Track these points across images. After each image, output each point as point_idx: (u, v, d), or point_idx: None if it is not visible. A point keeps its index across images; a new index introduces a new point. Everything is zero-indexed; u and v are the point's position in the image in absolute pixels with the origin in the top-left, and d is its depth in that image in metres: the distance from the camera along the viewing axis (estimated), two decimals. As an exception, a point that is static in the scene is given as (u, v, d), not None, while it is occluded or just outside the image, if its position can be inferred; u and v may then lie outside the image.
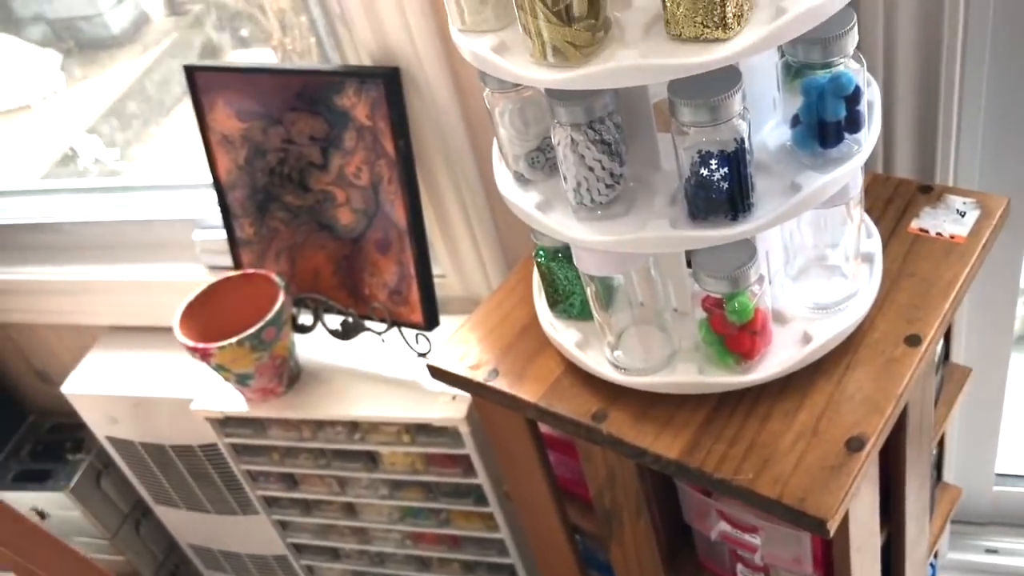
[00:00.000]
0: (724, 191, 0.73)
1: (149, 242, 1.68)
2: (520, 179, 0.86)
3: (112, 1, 2.22)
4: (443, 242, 1.44)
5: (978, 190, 1.00)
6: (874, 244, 0.91)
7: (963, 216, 0.96)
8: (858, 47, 1.00)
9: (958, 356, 1.23)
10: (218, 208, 1.48)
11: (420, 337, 1.39)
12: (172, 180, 1.71)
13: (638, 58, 0.67)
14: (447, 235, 1.42)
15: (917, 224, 0.96)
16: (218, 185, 1.47)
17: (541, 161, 0.85)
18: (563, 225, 0.80)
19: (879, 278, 0.89)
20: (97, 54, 2.40)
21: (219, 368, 1.38)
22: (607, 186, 0.77)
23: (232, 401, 1.45)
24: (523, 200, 0.83)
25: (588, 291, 0.85)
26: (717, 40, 0.66)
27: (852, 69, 0.74)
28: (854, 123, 0.76)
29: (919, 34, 1.01)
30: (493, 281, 1.45)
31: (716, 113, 0.69)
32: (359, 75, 1.27)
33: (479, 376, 0.95)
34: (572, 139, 0.75)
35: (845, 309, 0.86)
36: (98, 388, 1.65)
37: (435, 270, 1.46)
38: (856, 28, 0.72)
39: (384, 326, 1.39)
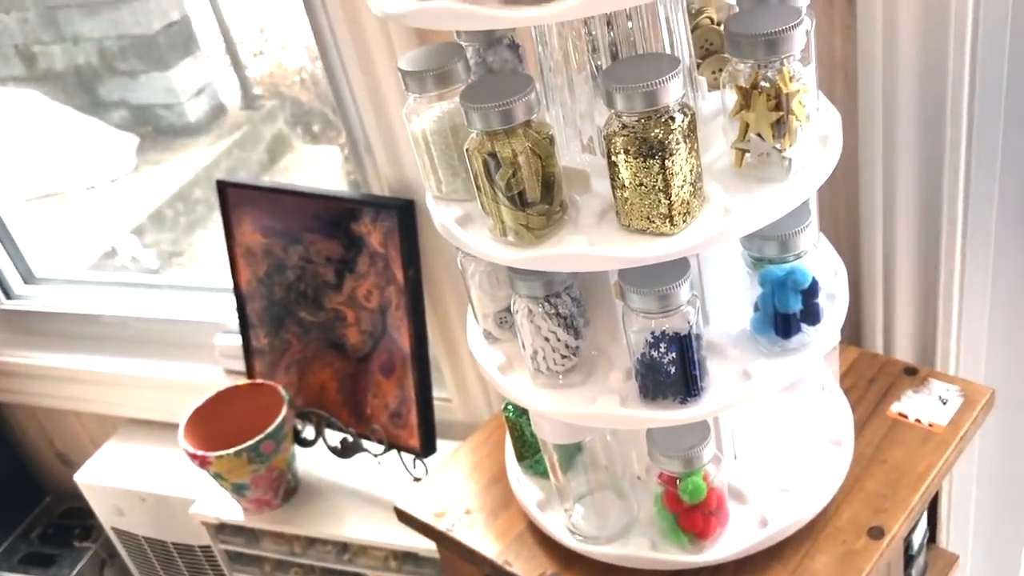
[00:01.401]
0: (673, 374, 0.74)
1: (176, 340, 1.73)
2: (488, 336, 0.87)
3: (192, 91, 2.34)
4: (449, 367, 1.45)
5: (979, 381, 0.99)
6: (846, 427, 0.90)
7: (945, 404, 0.94)
8: (856, 230, 1.01)
9: (953, 541, 1.20)
10: (237, 316, 1.53)
11: (418, 461, 1.39)
12: (204, 282, 1.76)
13: (586, 246, 0.68)
14: (453, 361, 1.44)
15: (897, 408, 0.95)
16: (239, 294, 1.52)
17: (510, 321, 0.86)
18: (520, 389, 0.81)
19: (847, 464, 0.88)
20: (172, 141, 2.52)
21: (216, 476, 1.40)
22: (563, 356, 0.78)
23: (230, 508, 1.47)
24: (487, 360, 0.85)
25: (545, 456, 0.85)
26: (663, 235, 0.68)
27: (809, 264, 0.74)
28: (812, 316, 0.76)
29: (919, 226, 1.01)
30: (496, 409, 1.45)
31: (664, 302, 0.70)
32: (375, 204, 1.31)
33: (443, 525, 0.96)
34: (529, 310, 0.76)
35: (808, 494, 0.85)
36: (109, 479, 1.68)
37: (441, 394, 1.48)
38: (813, 225, 0.73)
39: (382, 448, 1.40)
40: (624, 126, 0.65)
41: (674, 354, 0.73)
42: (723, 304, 0.81)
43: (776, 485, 0.86)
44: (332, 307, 1.42)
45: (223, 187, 1.46)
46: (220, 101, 2.45)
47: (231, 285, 1.52)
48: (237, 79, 2.49)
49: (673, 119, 0.64)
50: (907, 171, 0.98)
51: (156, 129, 2.44)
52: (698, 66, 0.80)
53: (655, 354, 0.73)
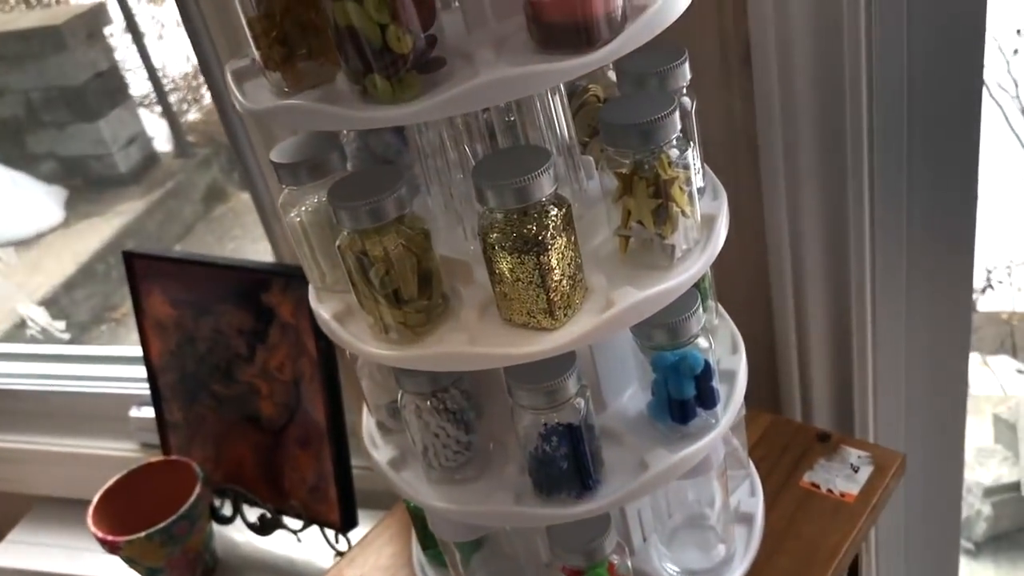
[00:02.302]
0: (566, 469, 0.71)
1: (90, 414, 1.67)
2: (382, 428, 0.84)
3: (122, 141, 2.28)
4: (370, 436, 1.41)
5: (899, 444, 0.97)
6: (755, 504, 0.88)
7: (856, 471, 0.93)
8: (767, 297, 0.99)
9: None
10: (149, 390, 1.48)
11: (340, 535, 1.35)
12: (118, 352, 1.71)
13: (466, 345, 0.66)
14: (374, 430, 1.40)
15: (809, 478, 0.93)
16: (150, 367, 1.46)
17: (404, 411, 0.83)
18: (413, 486, 0.78)
19: (757, 542, 0.86)
20: (103, 192, 2.46)
21: (129, 561, 1.34)
22: (455, 452, 0.75)
23: (145, 592, 1.41)
24: (378, 453, 0.81)
25: (445, 555, 0.82)
26: (545, 329, 0.65)
27: (703, 347, 0.72)
28: (707, 399, 0.74)
29: (828, 289, 1.00)
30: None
31: (552, 397, 0.68)
32: (285, 274, 1.28)
33: (346, 621, 0.92)
34: (416, 406, 0.73)
35: (719, 576, 0.83)
36: (21, 562, 1.61)
37: (362, 463, 1.43)
38: (700, 311, 0.71)
39: (301, 523, 1.36)
40: (497, 221, 0.62)
41: (566, 448, 0.70)
42: (620, 387, 0.79)
43: (686, 567, 0.84)
44: (245, 380, 1.37)
45: (130, 258, 1.42)
46: (152, 150, 2.40)
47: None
48: (169, 127, 2.44)
49: (547, 212, 0.62)
50: (812, 234, 0.97)
51: (86, 181, 2.38)
52: (585, 144, 0.78)
53: (547, 448, 0.70)
